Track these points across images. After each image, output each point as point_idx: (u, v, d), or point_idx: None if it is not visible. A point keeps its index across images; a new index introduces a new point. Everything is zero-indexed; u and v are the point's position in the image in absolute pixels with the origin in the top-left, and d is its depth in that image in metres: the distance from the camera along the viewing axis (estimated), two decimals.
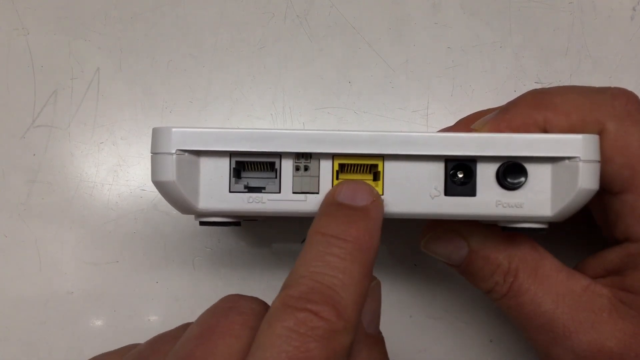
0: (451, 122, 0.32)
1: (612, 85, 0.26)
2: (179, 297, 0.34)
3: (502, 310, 0.27)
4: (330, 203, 0.22)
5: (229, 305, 0.21)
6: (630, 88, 0.26)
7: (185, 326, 0.23)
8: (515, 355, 0.34)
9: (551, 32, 0.36)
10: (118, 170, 0.35)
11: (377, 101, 0.35)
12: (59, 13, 0.36)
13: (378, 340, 0.23)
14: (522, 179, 0.23)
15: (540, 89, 0.27)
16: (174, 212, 0.35)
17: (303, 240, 0.34)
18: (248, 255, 0.35)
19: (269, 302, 0.20)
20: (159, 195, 0.24)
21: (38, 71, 0.36)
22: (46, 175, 0.35)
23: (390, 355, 0.34)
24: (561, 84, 0.35)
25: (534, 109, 0.25)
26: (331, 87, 0.35)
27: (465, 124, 0.28)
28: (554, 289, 0.25)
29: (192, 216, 0.25)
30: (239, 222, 0.25)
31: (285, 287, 0.20)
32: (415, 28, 0.36)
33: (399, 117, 0.35)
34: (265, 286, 0.34)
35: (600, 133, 0.24)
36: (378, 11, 0.36)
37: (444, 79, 0.35)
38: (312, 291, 0.19)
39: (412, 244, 0.34)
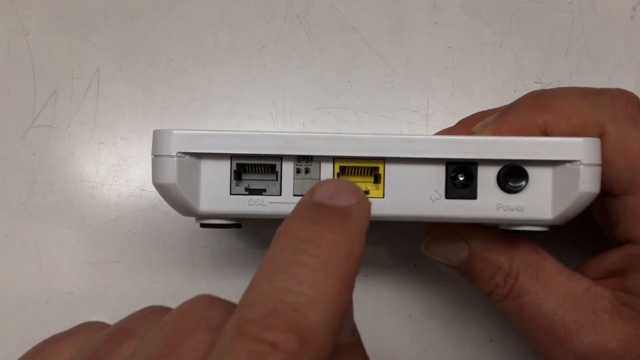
0: (451, 122, 0.32)
1: (612, 86, 0.26)
2: (179, 297, 0.34)
3: (502, 312, 0.27)
4: (305, 202, 0.18)
5: (200, 314, 0.18)
6: (630, 88, 0.26)
7: (148, 317, 0.20)
8: (515, 355, 0.34)
9: (551, 32, 0.36)
10: (118, 170, 0.35)
11: (377, 101, 0.35)
12: (59, 13, 0.36)
13: (353, 347, 0.20)
14: (523, 183, 0.23)
15: (540, 90, 0.27)
16: (174, 212, 0.35)
17: None
18: (248, 256, 0.35)
19: None
20: (159, 196, 0.24)
21: (38, 71, 0.36)
22: (46, 175, 0.35)
23: (390, 355, 0.35)
24: (561, 84, 0.35)
25: (534, 112, 0.25)
26: (331, 87, 0.35)
27: (466, 125, 0.28)
28: (555, 290, 0.25)
29: (201, 225, 0.25)
30: (240, 224, 0.25)
31: (241, 306, 0.16)
32: (415, 28, 0.36)
33: (399, 117, 0.35)
34: None
35: (601, 135, 0.24)
36: (378, 11, 0.36)
37: (444, 79, 0.35)
38: (273, 314, 0.15)
39: (412, 244, 0.34)
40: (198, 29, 0.36)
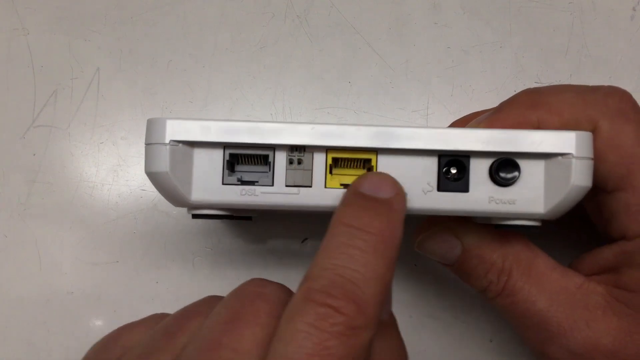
0: (451, 122, 0.32)
1: (612, 85, 0.26)
2: (179, 297, 0.34)
3: (496, 308, 0.27)
4: (354, 194, 0.22)
5: (256, 290, 0.21)
6: (630, 88, 0.26)
7: (210, 301, 0.23)
8: (515, 355, 0.34)
9: (551, 32, 0.36)
10: (118, 170, 0.35)
11: (377, 101, 0.35)
12: (59, 13, 0.36)
13: (389, 325, 0.23)
14: (515, 175, 0.23)
15: (534, 88, 0.27)
16: (174, 212, 0.35)
17: (304, 240, 0.34)
18: (248, 255, 0.35)
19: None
20: (159, 195, 0.24)
21: (38, 71, 0.36)
22: (46, 175, 0.35)
23: None
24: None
25: (527, 109, 0.25)
26: (331, 87, 0.35)
27: (460, 124, 0.28)
28: (547, 287, 0.25)
29: (193, 216, 0.25)
30: (232, 215, 0.24)
31: (307, 278, 0.19)
32: (415, 28, 0.36)
33: (399, 117, 0.35)
34: None
35: (594, 131, 0.24)
36: (378, 11, 0.36)
37: (444, 79, 0.35)
38: (334, 285, 0.19)
39: (412, 244, 0.34)
40: (198, 29, 0.36)
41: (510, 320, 0.26)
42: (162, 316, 0.24)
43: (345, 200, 0.22)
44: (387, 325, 0.22)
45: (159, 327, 0.22)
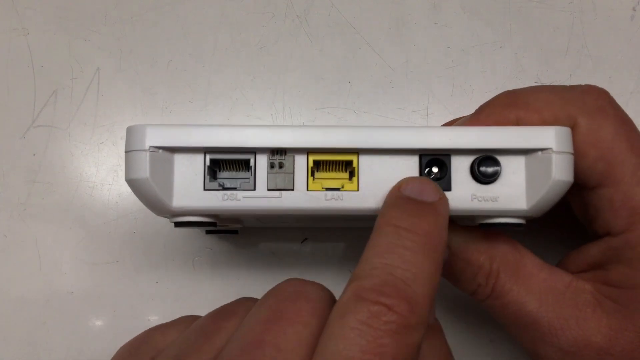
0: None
1: (612, 86, 0.26)
2: (179, 297, 0.34)
3: (487, 310, 0.27)
4: (398, 196, 0.22)
5: (296, 289, 0.21)
6: (630, 88, 0.26)
7: (244, 302, 0.23)
8: (515, 356, 0.34)
9: (551, 32, 0.36)
10: (118, 170, 0.35)
11: (377, 101, 0.35)
12: (59, 13, 0.36)
13: (436, 329, 0.23)
14: (496, 172, 0.23)
15: (513, 89, 0.27)
16: None
17: (303, 241, 0.34)
18: (248, 255, 0.35)
19: None
20: None
21: (38, 71, 0.36)
22: (46, 175, 0.35)
23: None
24: (561, 84, 0.35)
25: (506, 108, 0.25)
26: (331, 87, 0.35)
27: None
28: (536, 287, 0.25)
29: (175, 225, 0.24)
30: (215, 222, 0.24)
31: (356, 277, 0.19)
32: (415, 28, 0.36)
33: (399, 117, 0.35)
34: (264, 286, 0.34)
35: (573, 128, 0.24)
36: (378, 11, 0.36)
37: (444, 79, 0.35)
38: (386, 284, 0.19)
39: None
40: (198, 29, 0.36)
41: (501, 321, 0.26)
42: (192, 318, 0.23)
43: (390, 203, 0.22)
44: (433, 330, 0.22)
45: (193, 327, 0.22)
